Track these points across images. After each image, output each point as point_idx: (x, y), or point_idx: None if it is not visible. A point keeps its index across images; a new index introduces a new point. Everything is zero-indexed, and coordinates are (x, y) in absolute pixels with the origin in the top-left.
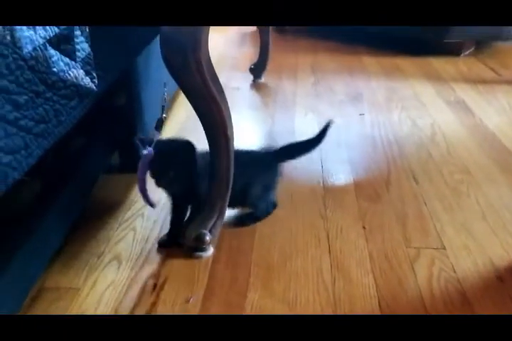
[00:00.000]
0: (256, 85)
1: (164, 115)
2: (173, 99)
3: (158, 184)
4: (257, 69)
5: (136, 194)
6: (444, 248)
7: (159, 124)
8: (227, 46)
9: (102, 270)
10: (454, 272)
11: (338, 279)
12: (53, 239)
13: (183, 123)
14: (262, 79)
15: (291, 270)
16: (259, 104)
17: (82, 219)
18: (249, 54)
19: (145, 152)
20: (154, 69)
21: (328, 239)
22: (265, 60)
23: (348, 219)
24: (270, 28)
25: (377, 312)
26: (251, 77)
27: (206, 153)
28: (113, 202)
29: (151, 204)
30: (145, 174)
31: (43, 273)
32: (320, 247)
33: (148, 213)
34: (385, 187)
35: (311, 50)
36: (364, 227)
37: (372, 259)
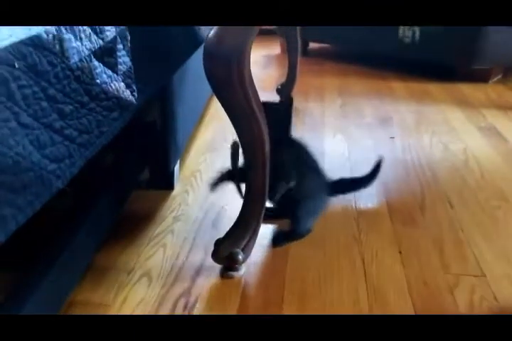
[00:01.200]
0: None
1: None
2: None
3: None
4: (284, 90)
5: (167, 210)
6: (485, 275)
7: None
8: (253, 68)
9: (133, 286)
10: (496, 301)
11: (376, 307)
12: (85, 254)
13: (209, 142)
14: None
15: (326, 295)
16: None
17: (112, 235)
18: (275, 76)
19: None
20: (189, 87)
21: (364, 263)
22: (292, 80)
23: (383, 243)
24: (299, 49)
25: None
26: (278, 98)
27: None
28: (143, 218)
29: None
30: None
31: (74, 288)
32: (355, 271)
33: (178, 229)
34: (419, 212)
35: (337, 74)
36: (400, 252)
37: (410, 285)
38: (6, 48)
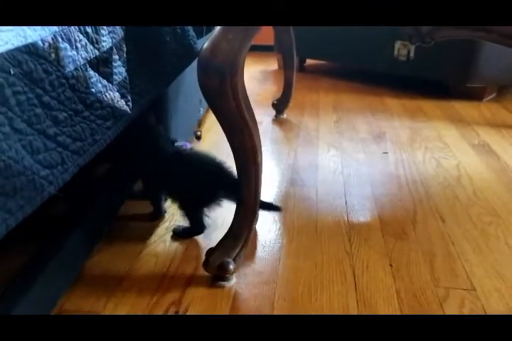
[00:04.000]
0: (278, 120)
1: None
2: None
3: None
4: (279, 105)
5: (159, 220)
6: (474, 289)
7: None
8: (250, 83)
9: (123, 295)
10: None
11: None
12: (75, 262)
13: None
14: (285, 115)
15: (317, 305)
16: (281, 139)
17: (104, 244)
18: (272, 91)
19: None
20: (182, 99)
21: (354, 275)
22: (288, 96)
23: (375, 256)
24: (295, 65)
25: None
26: (273, 113)
27: None
28: (135, 227)
29: None
30: None
31: (63, 296)
32: (346, 283)
33: (170, 239)
34: (411, 226)
35: (332, 90)
36: (391, 265)
37: (400, 298)
38: (1, 55)
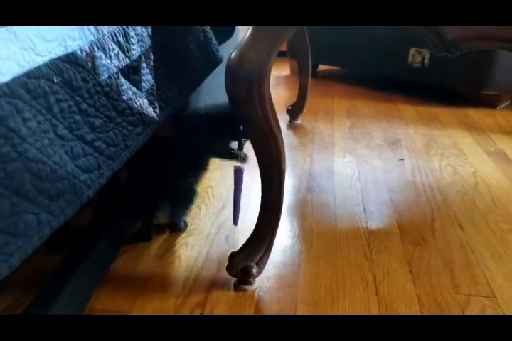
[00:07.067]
0: (293, 126)
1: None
2: None
3: None
4: (294, 111)
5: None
6: (495, 296)
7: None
8: None
9: (149, 296)
10: None
11: None
12: (104, 263)
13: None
14: (299, 121)
15: (339, 309)
16: (296, 144)
17: (128, 247)
18: (285, 96)
19: (237, 167)
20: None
21: (375, 281)
22: (303, 101)
23: (394, 262)
24: (310, 70)
25: None
26: (287, 118)
27: None
28: (157, 230)
29: (236, 220)
30: (241, 187)
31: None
32: (367, 288)
33: (191, 243)
34: (430, 233)
35: (346, 95)
36: (411, 271)
37: (422, 303)
38: (46, 64)
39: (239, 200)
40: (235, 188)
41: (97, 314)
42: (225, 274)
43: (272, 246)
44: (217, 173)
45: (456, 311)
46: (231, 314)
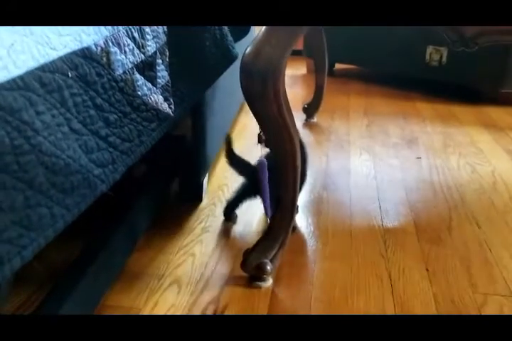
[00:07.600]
0: (309, 124)
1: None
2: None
3: None
4: (310, 109)
5: (195, 221)
6: None
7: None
8: None
9: (163, 292)
10: None
11: None
12: (118, 259)
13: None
14: (315, 119)
15: (353, 307)
16: (312, 143)
17: (143, 243)
18: (301, 95)
19: (260, 160)
20: (219, 102)
21: (391, 279)
22: (319, 100)
23: (410, 260)
24: (327, 69)
25: None
26: (303, 117)
27: None
28: (173, 227)
29: (268, 212)
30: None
31: (106, 291)
32: (382, 286)
33: (206, 240)
34: (447, 232)
35: (362, 94)
36: (427, 270)
37: (438, 302)
38: (61, 58)
39: (266, 192)
40: (260, 182)
41: (109, 311)
42: (239, 271)
43: (286, 243)
44: (232, 172)
45: (473, 310)
46: (244, 314)
